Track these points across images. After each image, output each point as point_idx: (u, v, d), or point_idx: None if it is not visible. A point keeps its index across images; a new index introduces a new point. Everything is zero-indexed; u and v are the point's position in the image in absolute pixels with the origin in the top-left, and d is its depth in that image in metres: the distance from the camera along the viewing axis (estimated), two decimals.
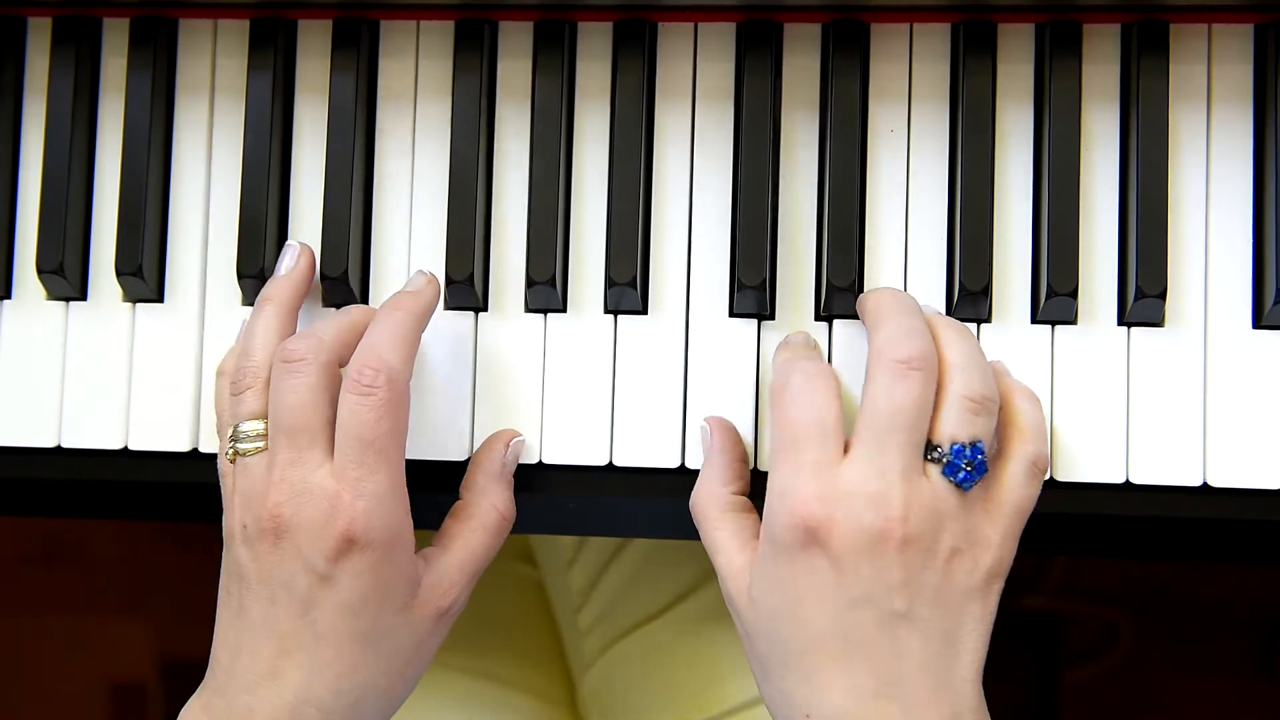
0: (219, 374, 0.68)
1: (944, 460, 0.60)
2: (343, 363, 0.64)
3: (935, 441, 0.60)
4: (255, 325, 0.66)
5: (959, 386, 0.61)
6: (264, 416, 0.64)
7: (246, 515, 0.63)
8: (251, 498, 0.62)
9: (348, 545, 0.61)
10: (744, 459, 0.67)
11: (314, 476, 0.61)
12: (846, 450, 0.60)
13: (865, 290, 0.67)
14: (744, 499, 0.66)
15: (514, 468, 0.68)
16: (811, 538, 0.59)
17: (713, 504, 0.65)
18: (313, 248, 0.69)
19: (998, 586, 0.61)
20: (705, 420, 0.67)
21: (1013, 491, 0.62)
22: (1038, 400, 0.65)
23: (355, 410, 0.61)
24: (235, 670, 0.62)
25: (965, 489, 0.60)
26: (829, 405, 0.61)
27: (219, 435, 0.67)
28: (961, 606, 0.60)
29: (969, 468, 0.60)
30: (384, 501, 0.62)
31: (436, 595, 0.64)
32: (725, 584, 0.64)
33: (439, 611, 0.65)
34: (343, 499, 0.61)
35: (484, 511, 0.67)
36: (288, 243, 0.69)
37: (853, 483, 0.59)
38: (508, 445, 0.68)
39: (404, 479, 0.63)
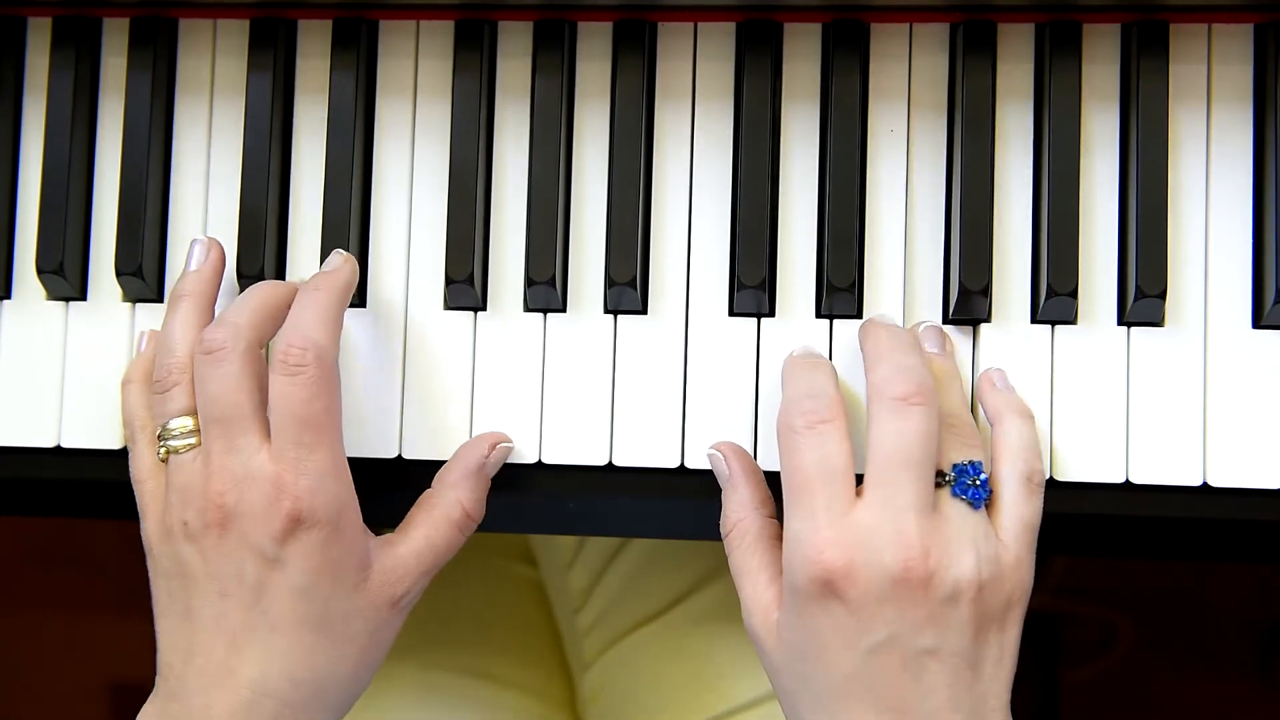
0: (125, 383, 0.68)
1: (951, 481, 0.60)
2: (262, 344, 0.64)
3: (938, 468, 0.60)
4: (172, 322, 0.65)
5: (947, 420, 0.62)
6: (192, 412, 0.63)
7: (187, 511, 0.62)
8: (191, 492, 0.62)
9: (294, 525, 0.61)
10: (763, 478, 0.66)
11: (253, 461, 0.61)
12: (860, 492, 0.60)
13: (865, 319, 0.66)
14: (776, 523, 0.64)
15: (494, 471, 0.67)
16: (829, 588, 0.58)
17: (750, 532, 0.64)
18: (223, 243, 0.69)
19: (1019, 611, 0.61)
20: (714, 447, 0.66)
21: (1015, 510, 0.62)
22: (1028, 415, 0.65)
23: (287, 391, 0.61)
24: (188, 673, 0.61)
25: (976, 507, 0.60)
26: (837, 449, 0.60)
27: (132, 442, 0.66)
28: (986, 636, 0.59)
29: (975, 484, 0.60)
30: (326, 478, 0.61)
31: (390, 582, 0.64)
32: (750, 618, 0.62)
33: (392, 599, 0.64)
34: (285, 479, 0.61)
35: (449, 505, 0.66)
36: (195, 238, 0.69)
37: (868, 525, 0.58)
38: (492, 447, 0.67)
39: (344, 455, 0.63)
